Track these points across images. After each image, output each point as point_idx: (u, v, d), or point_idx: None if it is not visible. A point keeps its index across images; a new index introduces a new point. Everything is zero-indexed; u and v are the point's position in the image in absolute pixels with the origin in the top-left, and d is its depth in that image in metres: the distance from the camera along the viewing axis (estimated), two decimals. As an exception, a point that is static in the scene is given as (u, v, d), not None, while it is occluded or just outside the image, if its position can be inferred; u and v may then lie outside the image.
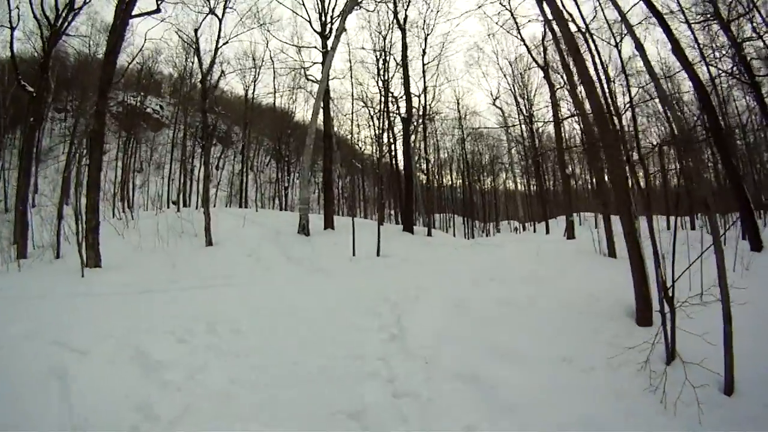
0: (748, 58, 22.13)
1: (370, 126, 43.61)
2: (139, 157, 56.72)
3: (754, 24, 22.31)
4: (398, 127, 39.08)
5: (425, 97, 35.48)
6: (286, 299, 13.00)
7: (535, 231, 48.84)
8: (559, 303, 11.72)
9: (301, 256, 19.60)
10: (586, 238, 25.54)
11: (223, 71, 33.52)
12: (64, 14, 23.92)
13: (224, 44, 26.22)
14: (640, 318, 10.02)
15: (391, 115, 37.43)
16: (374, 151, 44.63)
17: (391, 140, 40.99)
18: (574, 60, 11.58)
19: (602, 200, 20.32)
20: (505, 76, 49.76)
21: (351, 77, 27.61)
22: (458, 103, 51.19)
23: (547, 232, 43.63)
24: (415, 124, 34.89)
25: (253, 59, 47.20)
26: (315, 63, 31.17)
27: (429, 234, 28.89)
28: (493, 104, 51.71)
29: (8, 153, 39.37)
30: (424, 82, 35.29)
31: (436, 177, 41.24)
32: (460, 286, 13.93)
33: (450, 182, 65.31)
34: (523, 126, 51.40)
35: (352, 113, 32.60)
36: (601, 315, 10.69)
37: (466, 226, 56.06)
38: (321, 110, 26.93)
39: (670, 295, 7.85)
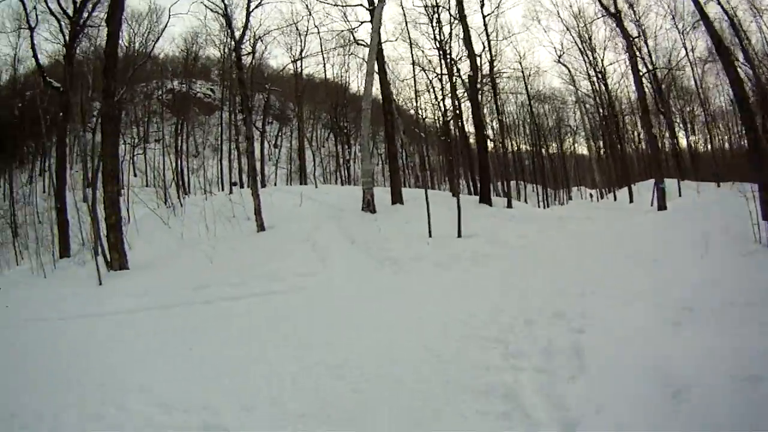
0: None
1: (429, 91, 39.78)
2: (194, 141, 55.74)
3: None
4: (460, 90, 34.47)
5: (490, 53, 31.41)
6: (341, 338, 7.90)
7: (615, 199, 43.26)
8: None
9: (366, 240, 15.77)
10: (680, 208, 21.33)
11: (260, 37, 30.28)
12: (81, 7, 23.71)
13: (257, 7, 22.61)
14: None
15: (452, 77, 33.29)
16: (436, 117, 40.88)
17: (456, 103, 36.16)
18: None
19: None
20: (568, 29, 44.46)
21: (408, 35, 23.74)
22: (521, 63, 46.42)
23: (631, 200, 37.81)
24: (481, 83, 30.52)
25: (297, 28, 43.74)
26: (363, 22, 27.27)
27: (509, 205, 24.64)
28: (558, 62, 46.63)
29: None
30: (487, 35, 30.78)
31: (502, 143, 37.10)
32: (642, 326, 6.79)
33: (515, 148, 59.72)
34: (596, 83, 46.47)
35: (414, 76, 29.24)
36: None
37: (538, 194, 51.71)
38: (376, 72, 22.71)
39: None
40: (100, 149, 17.14)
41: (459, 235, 15.77)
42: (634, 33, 33.05)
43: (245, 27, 22.10)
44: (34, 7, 25.11)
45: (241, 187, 37.19)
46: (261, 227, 18.38)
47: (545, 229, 17.34)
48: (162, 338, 8.72)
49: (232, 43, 24.42)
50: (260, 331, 8.64)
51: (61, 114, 23.01)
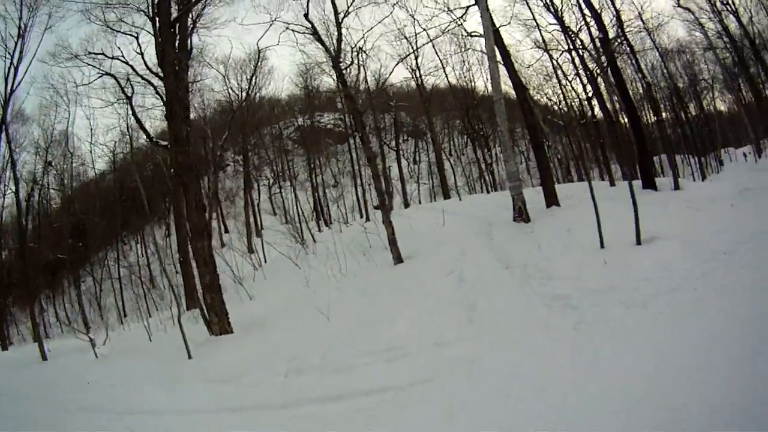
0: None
1: (558, 71, 34.64)
2: (331, 172, 56.43)
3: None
4: (591, 64, 28.66)
5: (614, 7, 24.89)
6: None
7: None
8: None
9: (524, 262, 11.73)
10: None
11: (361, 48, 27.36)
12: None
13: (345, 16, 19.79)
14: None
15: (578, 51, 28.67)
16: (571, 99, 36.17)
17: (591, 76, 30.87)
18: None
19: None
20: None
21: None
22: (641, 17, 38.75)
23: None
24: (614, 44, 24.67)
25: (405, 37, 40.02)
26: (469, 7, 23.43)
27: (676, 186, 18.82)
28: (678, 6, 38.47)
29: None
30: None
31: (656, 110, 32.15)
32: None
33: (654, 117, 50.28)
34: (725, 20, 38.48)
35: (551, 57, 24.33)
36: None
37: (691, 165, 44.47)
38: (500, 62, 19.34)
39: None
40: (185, 202, 15.42)
41: (638, 242, 11.33)
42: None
43: (339, 40, 19.29)
44: (127, 79, 27.10)
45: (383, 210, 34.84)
46: (398, 259, 15.46)
47: (738, 215, 12.58)
48: None
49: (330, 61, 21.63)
50: None
51: (172, 170, 21.82)
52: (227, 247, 29.22)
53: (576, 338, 7.61)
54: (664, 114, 47.54)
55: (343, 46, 19.72)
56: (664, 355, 6.20)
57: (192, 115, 25.86)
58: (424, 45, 38.87)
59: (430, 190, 49.66)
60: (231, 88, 40.52)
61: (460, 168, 50.46)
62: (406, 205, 38.06)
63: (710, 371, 5.38)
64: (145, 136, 29.67)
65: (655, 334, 6.99)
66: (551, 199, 18.39)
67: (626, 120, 22.73)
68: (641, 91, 40.74)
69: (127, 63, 26.08)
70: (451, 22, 26.59)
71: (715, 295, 7.85)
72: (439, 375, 7.41)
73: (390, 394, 7.16)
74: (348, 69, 24.56)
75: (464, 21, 25.45)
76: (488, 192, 41.28)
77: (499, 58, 19.41)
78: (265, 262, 23.74)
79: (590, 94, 30.21)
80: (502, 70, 20.17)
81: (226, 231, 45.44)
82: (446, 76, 47.15)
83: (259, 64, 37.92)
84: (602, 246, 11.51)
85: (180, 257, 22.20)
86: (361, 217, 38.06)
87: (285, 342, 10.97)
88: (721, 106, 56.71)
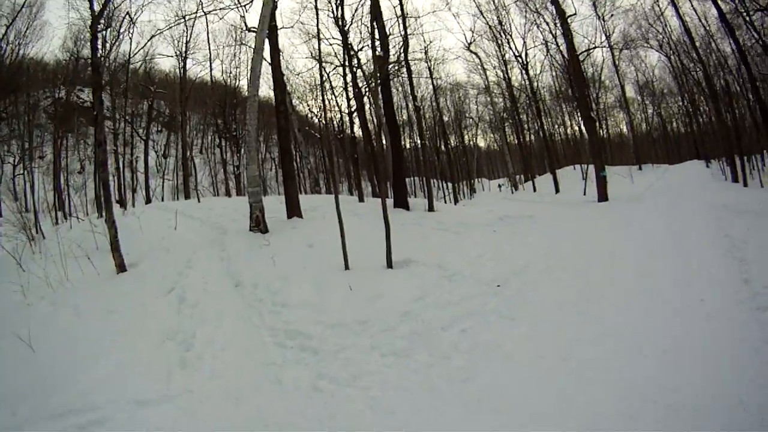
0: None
1: (326, 83, 33.70)
2: (79, 156, 49.40)
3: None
4: (362, 83, 28.02)
5: (405, 32, 23.87)
6: None
7: (535, 189, 39.59)
8: None
9: (256, 282, 10.09)
10: (621, 197, 21.10)
11: (129, 14, 24.25)
12: None
13: None
14: None
15: (353, 68, 27.94)
16: (334, 113, 35.20)
17: (359, 93, 30.01)
18: None
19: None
20: (482, 14, 41.24)
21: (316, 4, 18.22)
22: (426, 51, 40.34)
23: (557, 190, 34.55)
24: (394, 66, 23.93)
25: (184, 16, 36.77)
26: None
27: (431, 208, 19.19)
28: (468, 50, 43.18)
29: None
30: (402, 14, 23.64)
31: (421, 134, 32.48)
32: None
33: (413, 142, 55.71)
34: (507, 72, 43.61)
35: (322, 68, 22.87)
36: None
37: (443, 190, 47.51)
38: (267, 61, 18.11)
39: None
40: None
41: (389, 265, 10.31)
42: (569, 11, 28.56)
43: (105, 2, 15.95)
44: None
45: (122, 206, 32.03)
46: (120, 267, 12.47)
47: (500, 241, 12.42)
48: None
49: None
50: None
51: None
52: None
53: (319, 403, 6.02)
54: (425, 141, 50.00)
55: (111, 7, 17.22)
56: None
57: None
58: (197, 18, 36.92)
59: (174, 188, 46.70)
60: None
61: (208, 168, 48.27)
62: (148, 201, 36.12)
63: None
64: None
65: (418, 398, 5.74)
66: (294, 210, 16.98)
67: (386, 140, 21.81)
68: (405, 116, 46.01)
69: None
70: (232, 8, 25.07)
71: (483, 334, 6.83)
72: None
73: None
74: (105, 33, 21.73)
75: (247, 12, 24.01)
76: (230, 196, 39.98)
77: (268, 57, 18.28)
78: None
79: (353, 110, 29.84)
80: (267, 68, 19.20)
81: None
82: (211, 69, 45.09)
83: (24, 10, 33.29)
84: (347, 267, 10.32)
85: None
86: (98, 210, 34.08)
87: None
88: (481, 142, 64.61)
